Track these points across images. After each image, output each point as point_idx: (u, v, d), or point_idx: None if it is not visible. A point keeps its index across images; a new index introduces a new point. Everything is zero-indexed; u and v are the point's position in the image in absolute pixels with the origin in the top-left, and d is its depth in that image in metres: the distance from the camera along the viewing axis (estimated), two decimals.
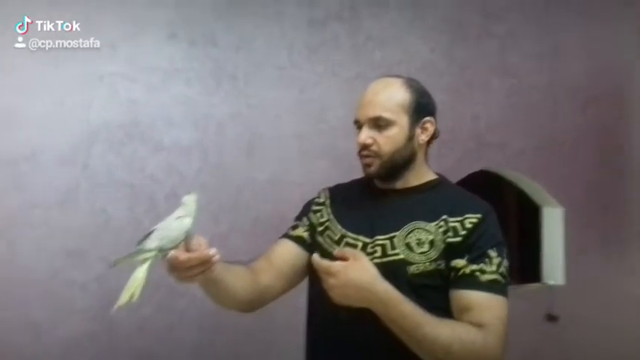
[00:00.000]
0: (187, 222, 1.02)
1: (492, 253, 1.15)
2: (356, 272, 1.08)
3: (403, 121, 1.22)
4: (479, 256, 1.15)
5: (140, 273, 0.99)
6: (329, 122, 2.29)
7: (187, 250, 1.02)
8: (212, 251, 1.01)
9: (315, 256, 1.13)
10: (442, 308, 1.14)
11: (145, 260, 0.99)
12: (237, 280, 1.21)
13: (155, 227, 1.02)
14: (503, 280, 1.15)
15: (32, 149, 1.90)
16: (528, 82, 2.68)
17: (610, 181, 2.88)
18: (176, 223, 1.01)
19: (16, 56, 1.90)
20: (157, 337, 2.01)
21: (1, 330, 1.86)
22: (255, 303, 1.28)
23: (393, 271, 1.14)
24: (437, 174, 1.32)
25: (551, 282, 2.72)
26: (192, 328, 2.06)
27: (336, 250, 1.17)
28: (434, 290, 1.16)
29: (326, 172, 2.23)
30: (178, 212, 1.04)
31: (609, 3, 2.88)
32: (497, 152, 2.61)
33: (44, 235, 1.91)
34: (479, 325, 1.09)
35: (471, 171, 2.48)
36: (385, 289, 1.08)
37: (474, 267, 1.14)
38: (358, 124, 1.27)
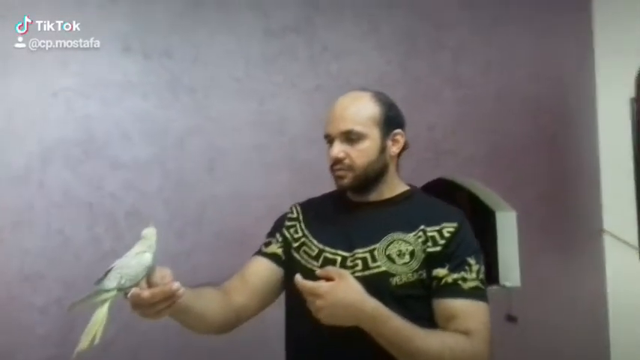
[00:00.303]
0: (147, 258, 0.95)
1: (471, 260, 1.18)
2: (346, 292, 1.05)
3: (374, 134, 1.22)
4: (459, 265, 1.16)
5: (100, 314, 0.91)
6: (289, 133, 2.25)
7: (150, 284, 0.94)
8: (175, 285, 0.93)
9: (299, 278, 1.07)
10: (425, 318, 1.15)
11: (104, 301, 0.91)
12: (208, 304, 1.15)
13: (113, 265, 0.94)
14: (483, 287, 1.17)
15: None
16: (479, 92, 2.72)
17: (559, 185, 2.94)
18: (135, 260, 0.94)
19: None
20: (122, 359, 1.91)
21: None
22: (230, 324, 1.23)
23: (375, 284, 1.12)
24: (409, 185, 1.32)
25: (508, 284, 2.77)
26: (157, 349, 1.96)
27: (319, 271, 1.12)
28: (416, 300, 1.16)
29: (287, 183, 2.18)
30: (137, 247, 0.96)
31: (555, 17, 2.95)
32: (452, 160, 2.62)
33: None
34: (465, 333, 1.11)
35: (429, 179, 2.47)
36: (374, 305, 1.06)
37: (456, 276, 1.15)
38: (329, 139, 1.24)
